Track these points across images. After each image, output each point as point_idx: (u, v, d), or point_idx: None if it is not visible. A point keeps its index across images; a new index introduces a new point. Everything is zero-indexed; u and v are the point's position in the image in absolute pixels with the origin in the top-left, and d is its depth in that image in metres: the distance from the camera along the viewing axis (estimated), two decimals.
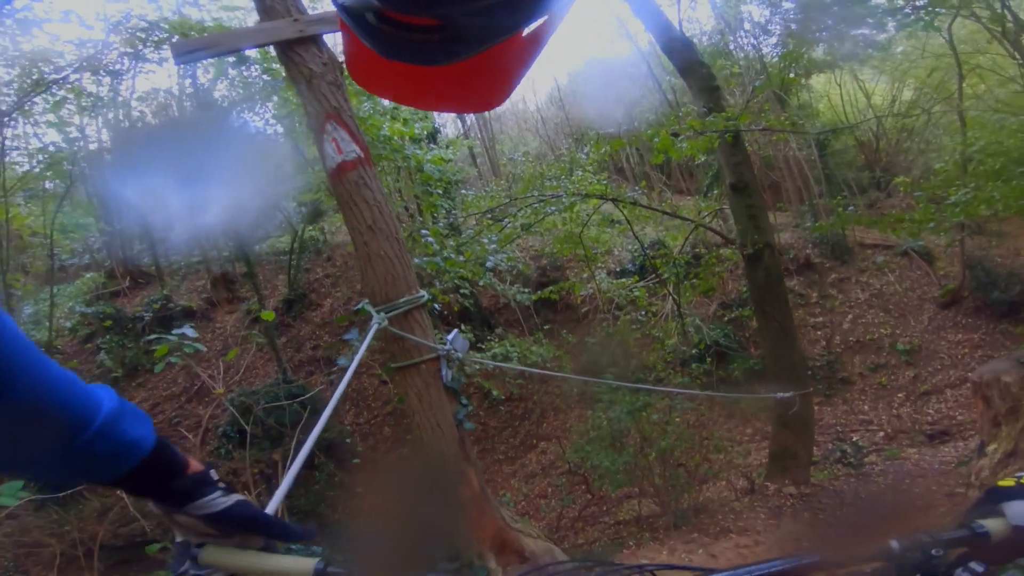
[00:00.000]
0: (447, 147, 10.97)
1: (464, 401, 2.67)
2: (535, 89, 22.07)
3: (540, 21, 0.37)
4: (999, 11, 6.83)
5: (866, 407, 8.71)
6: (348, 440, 8.81)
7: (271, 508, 1.04)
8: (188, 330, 2.77)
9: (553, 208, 7.18)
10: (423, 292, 2.42)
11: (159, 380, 10.59)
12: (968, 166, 7.76)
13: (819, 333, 10.17)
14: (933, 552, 0.61)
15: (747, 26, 13.01)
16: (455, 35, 0.34)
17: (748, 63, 12.42)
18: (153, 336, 3.18)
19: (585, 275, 10.39)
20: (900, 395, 8.71)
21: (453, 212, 9.65)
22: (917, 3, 6.71)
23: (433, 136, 11.16)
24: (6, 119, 9.43)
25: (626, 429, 6.63)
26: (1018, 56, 7.45)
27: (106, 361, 10.74)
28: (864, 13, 7.41)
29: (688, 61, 6.19)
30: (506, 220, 7.44)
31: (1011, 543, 0.65)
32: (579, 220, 8.33)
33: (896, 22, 7.00)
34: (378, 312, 2.27)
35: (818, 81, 14.28)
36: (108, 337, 11.00)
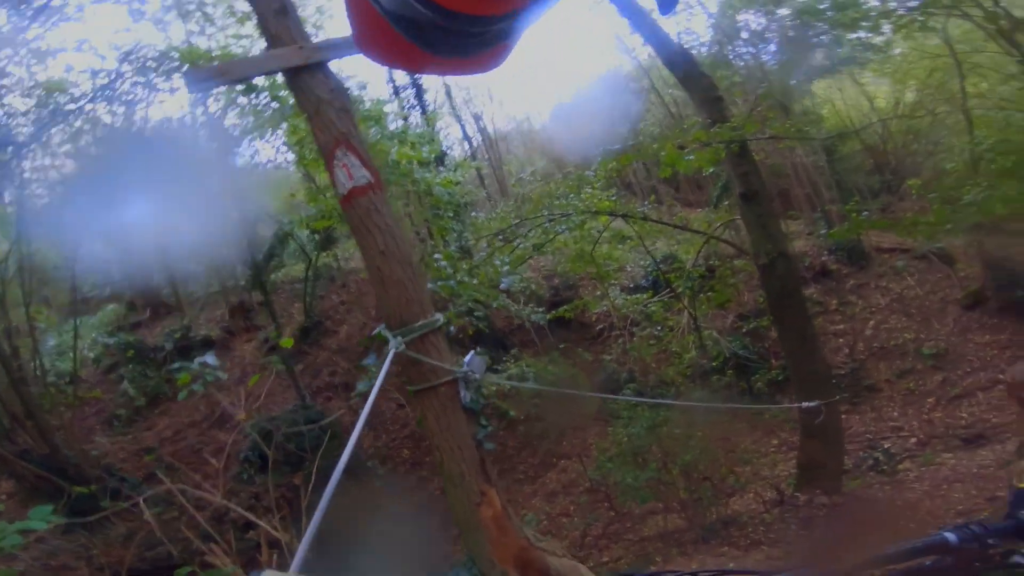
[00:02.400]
0: (455, 169, 11.11)
1: (484, 422, 2.65)
2: (540, 109, 22.36)
3: None
4: (990, 9, 6.78)
5: (895, 413, 8.52)
6: (369, 464, 8.78)
7: (309, 531, 1.06)
8: (210, 358, 2.81)
9: (563, 227, 7.21)
10: (439, 315, 2.43)
11: (181, 408, 10.69)
12: (979, 165, 7.65)
13: (841, 341, 10.00)
14: (990, 542, 0.63)
15: (744, 35, 13.04)
16: (513, 25, 0.36)
17: (749, 72, 12.43)
18: (176, 365, 3.23)
19: (598, 293, 10.35)
20: (930, 400, 8.51)
21: (464, 235, 9.72)
22: (909, 3, 6.69)
23: (441, 159, 11.28)
24: (24, 150, 9.45)
25: (647, 445, 6.55)
26: (1016, 53, 7.36)
27: (129, 390, 10.90)
28: (858, 17, 7.41)
29: (689, 73, 6.21)
30: (517, 240, 7.49)
31: None
32: (590, 238, 8.34)
33: (891, 23, 6.99)
34: (395, 336, 2.29)
35: (819, 87, 14.30)
36: (131, 367, 11.18)
